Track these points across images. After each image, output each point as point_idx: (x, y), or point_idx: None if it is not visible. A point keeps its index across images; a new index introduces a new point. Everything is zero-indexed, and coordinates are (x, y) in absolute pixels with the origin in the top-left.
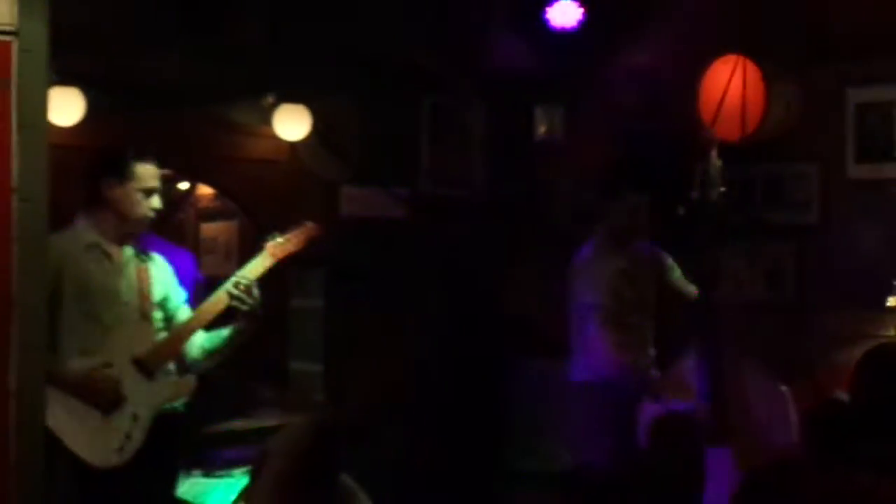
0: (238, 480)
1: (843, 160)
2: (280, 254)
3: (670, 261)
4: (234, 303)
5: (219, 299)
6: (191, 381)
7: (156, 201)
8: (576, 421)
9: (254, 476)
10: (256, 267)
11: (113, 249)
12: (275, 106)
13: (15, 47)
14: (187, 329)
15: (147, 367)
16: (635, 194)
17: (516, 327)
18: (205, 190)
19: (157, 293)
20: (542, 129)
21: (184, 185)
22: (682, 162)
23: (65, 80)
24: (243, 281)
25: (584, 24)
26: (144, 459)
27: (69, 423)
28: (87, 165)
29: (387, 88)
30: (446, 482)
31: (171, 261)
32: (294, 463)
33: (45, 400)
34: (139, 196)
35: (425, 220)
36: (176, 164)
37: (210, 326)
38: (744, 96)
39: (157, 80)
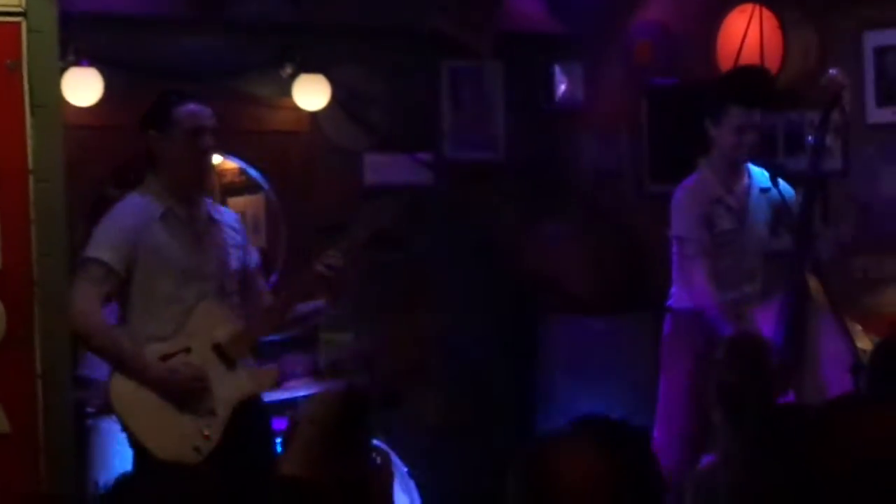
0: None
1: (863, 105)
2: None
3: (791, 197)
4: (324, 284)
5: (307, 282)
6: (274, 371)
7: (205, 141)
8: (666, 347)
9: (285, 445)
10: (346, 246)
11: (185, 213)
12: (294, 76)
13: (24, 28)
14: (277, 316)
15: (228, 355)
16: (747, 111)
17: (545, 286)
18: (229, 164)
19: (234, 261)
20: (562, 89)
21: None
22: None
23: (81, 60)
24: (333, 261)
25: None
26: (226, 458)
27: (141, 416)
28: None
29: (405, 54)
30: (480, 443)
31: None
32: (324, 431)
33: (70, 381)
34: (185, 143)
35: (449, 185)
36: None
37: None
38: (761, 45)
39: (175, 55)
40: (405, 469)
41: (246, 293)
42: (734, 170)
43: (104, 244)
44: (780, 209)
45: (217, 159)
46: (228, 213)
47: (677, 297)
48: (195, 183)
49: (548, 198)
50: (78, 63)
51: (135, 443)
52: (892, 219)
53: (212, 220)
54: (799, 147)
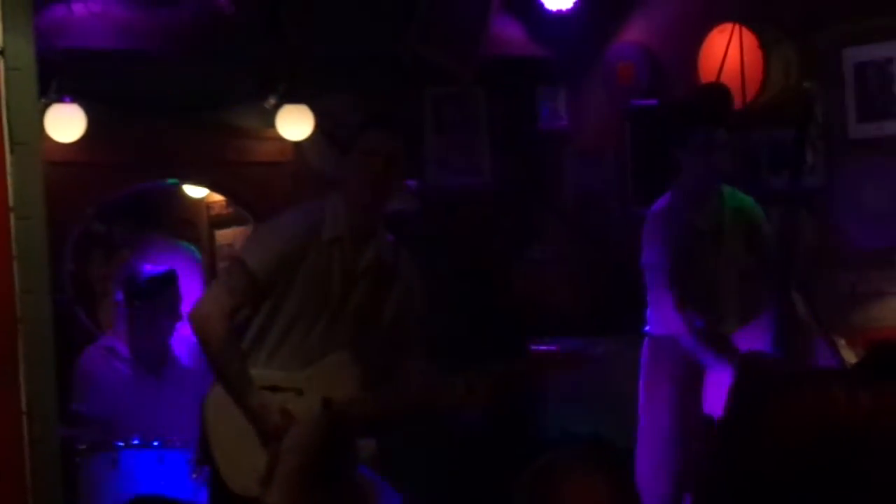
0: None
1: (845, 121)
2: None
3: (762, 217)
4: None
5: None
6: (372, 446)
7: (384, 173)
8: (645, 374)
9: (268, 475)
10: None
11: (352, 246)
12: (277, 107)
13: (2, 66)
14: (416, 401)
15: (335, 415)
16: (710, 131)
17: (532, 309)
18: (216, 197)
19: (388, 314)
20: (545, 113)
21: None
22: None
23: (63, 96)
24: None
25: (580, 5)
26: None
27: (225, 435)
28: None
29: (389, 82)
30: (471, 469)
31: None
32: (307, 458)
33: (56, 417)
34: (368, 168)
35: (435, 211)
36: (182, 172)
37: None
38: (742, 64)
39: (159, 89)
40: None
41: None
42: (705, 193)
43: None
44: (754, 229)
45: (203, 192)
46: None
47: (654, 322)
48: (373, 221)
49: (533, 221)
50: (60, 99)
51: (208, 459)
52: (876, 234)
53: (386, 257)
54: (782, 165)
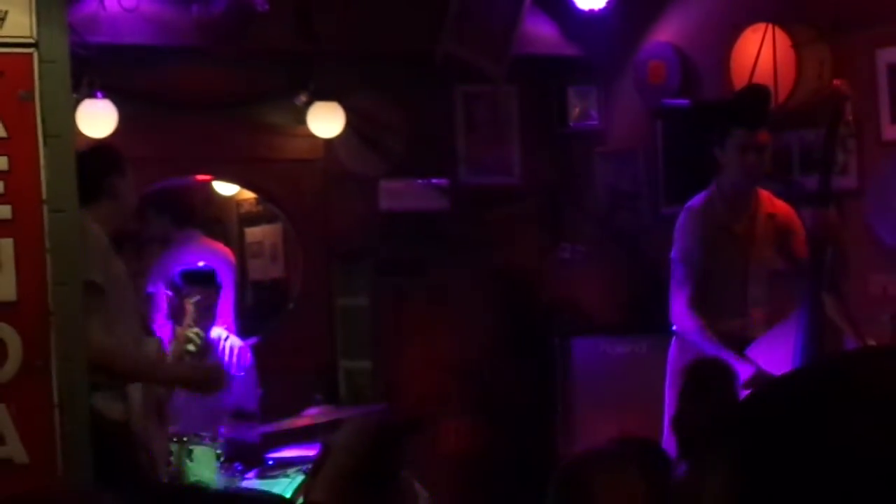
0: (293, 480)
1: (878, 122)
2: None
3: (797, 224)
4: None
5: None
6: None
7: None
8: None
9: (315, 470)
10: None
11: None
12: (308, 104)
13: (36, 59)
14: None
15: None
16: (750, 133)
17: (563, 309)
18: (246, 194)
19: None
20: (576, 112)
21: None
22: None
23: (95, 91)
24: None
25: (612, 4)
26: None
27: None
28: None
29: (420, 80)
30: (504, 470)
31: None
32: (358, 460)
33: (87, 410)
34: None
35: (466, 210)
36: (213, 169)
37: None
38: (775, 64)
39: (190, 86)
40: (426, 495)
41: None
42: (742, 195)
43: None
44: (786, 233)
45: (233, 189)
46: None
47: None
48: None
49: (564, 220)
50: (92, 95)
51: None
52: None
53: None
54: (814, 165)
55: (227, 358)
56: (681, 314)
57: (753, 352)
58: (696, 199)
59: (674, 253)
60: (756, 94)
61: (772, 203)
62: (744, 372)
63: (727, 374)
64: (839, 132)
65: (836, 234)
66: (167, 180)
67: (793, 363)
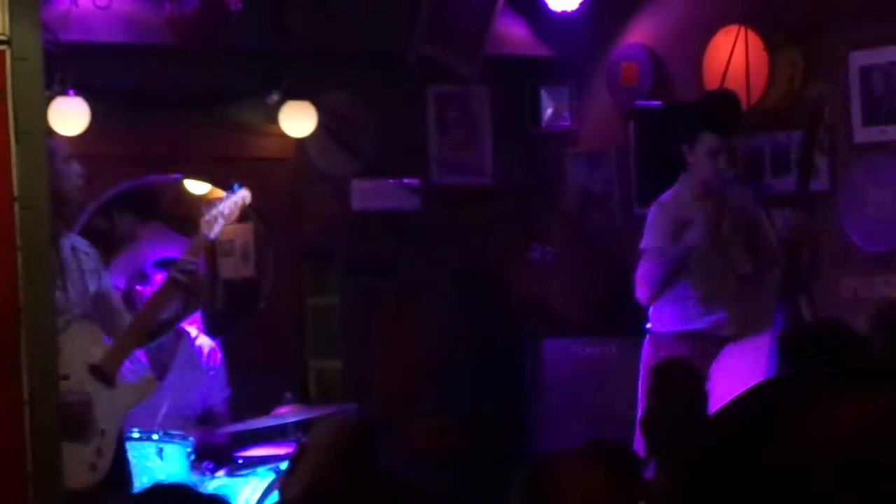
0: (262, 478)
1: (850, 125)
2: (215, 227)
3: (766, 224)
4: (181, 288)
5: (166, 289)
6: (152, 380)
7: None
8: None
9: (291, 468)
10: (196, 247)
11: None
12: (280, 104)
13: (8, 56)
14: (141, 326)
15: (105, 373)
16: (718, 137)
17: (534, 310)
18: (217, 193)
19: (91, 285)
20: (548, 112)
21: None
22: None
23: (67, 89)
24: (187, 266)
25: (585, 5)
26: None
27: None
28: None
29: (392, 80)
30: (470, 468)
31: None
32: (334, 458)
33: (58, 406)
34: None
35: (437, 210)
36: (184, 167)
37: None
38: (747, 67)
39: (162, 84)
40: None
41: (106, 314)
42: (710, 192)
43: None
44: (757, 236)
45: (205, 187)
46: (79, 240)
47: (655, 319)
48: (65, 215)
49: (536, 221)
50: (64, 92)
51: None
52: (880, 238)
53: (71, 249)
54: (785, 168)
55: (198, 356)
56: (642, 287)
57: (729, 354)
58: (667, 194)
59: (643, 243)
60: (723, 99)
61: (740, 203)
62: None
63: (694, 375)
64: (818, 137)
65: (811, 238)
66: (137, 179)
67: (767, 368)
